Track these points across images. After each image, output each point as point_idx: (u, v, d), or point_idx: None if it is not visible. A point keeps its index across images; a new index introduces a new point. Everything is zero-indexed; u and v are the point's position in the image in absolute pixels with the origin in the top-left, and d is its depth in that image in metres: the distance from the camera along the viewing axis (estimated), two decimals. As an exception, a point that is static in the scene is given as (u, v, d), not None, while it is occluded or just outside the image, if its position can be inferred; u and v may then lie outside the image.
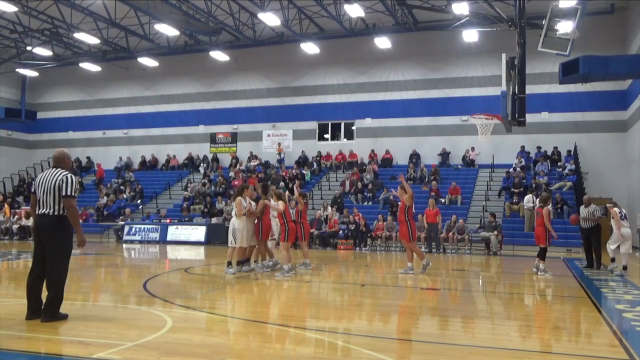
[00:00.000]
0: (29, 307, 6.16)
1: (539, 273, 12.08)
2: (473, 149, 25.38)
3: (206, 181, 27.28)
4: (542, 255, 12.22)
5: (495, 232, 18.52)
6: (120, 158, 32.06)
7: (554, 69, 19.57)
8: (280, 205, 11.39)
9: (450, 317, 7.29)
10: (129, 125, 32.66)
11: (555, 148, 24.58)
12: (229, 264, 11.44)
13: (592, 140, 24.57)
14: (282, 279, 10.57)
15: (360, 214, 21.26)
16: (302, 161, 28.17)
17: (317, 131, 29.45)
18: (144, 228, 23.11)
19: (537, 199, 13.93)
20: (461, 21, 23.35)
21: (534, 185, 22.17)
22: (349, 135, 28.96)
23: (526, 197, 20.58)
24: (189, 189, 27.00)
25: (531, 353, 5.26)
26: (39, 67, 31.42)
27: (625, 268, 12.25)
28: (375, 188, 24.65)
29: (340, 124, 29.15)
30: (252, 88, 30.34)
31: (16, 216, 25.47)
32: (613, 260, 12.64)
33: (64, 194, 6.13)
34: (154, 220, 23.73)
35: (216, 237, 22.10)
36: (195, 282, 10.82)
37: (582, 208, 13.64)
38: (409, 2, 23.23)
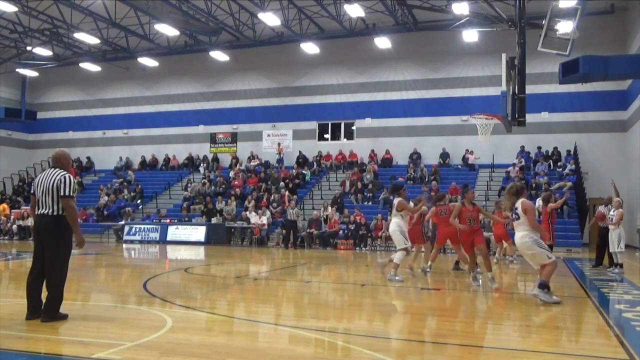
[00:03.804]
0: (29, 307, 6.14)
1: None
2: (472, 152, 25.35)
3: (206, 181, 27.29)
4: None
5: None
6: (120, 158, 32.07)
7: (554, 69, 19.57)
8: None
9: (450, 317, 7.28)
10: (129, 125, 32.67)
11: (555, 148, 24.58)
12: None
13: (592, 140, 24.57)
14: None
15: (362, 214, 21.27)
16: (302, 161, 28.17)
17: (317, 131, 29.45)
18: (144, 228, 23.10)
19: (540, 199, 13.88)
20: (461, 21, 23.35)
21: (534, 185, 22.18)
22: (349, 135, 28.96)
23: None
24: (189, 189, 27.00)
25: (531, 353, 5.26)
26: (39, 67, 31.43)
27: (621, 266, 12.27)
28: (375, 188, 24.66)
29: (340, 124, 29.16)
30: (252, 88, 30.34)
31: (13, 217, 25.47)
32: (622, 266, 12.34)
33: (62, 194, 6.12)
34: (154, 220, 23.73)
35: (216, 237, 22.11)
36: (195, 282, 10.82)
37: (601, 207, 13.48)
38: (409, 2, 23.23)
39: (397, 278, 10.22)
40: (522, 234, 7.81)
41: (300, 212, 23.06)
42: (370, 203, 24.07)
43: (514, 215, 7.92)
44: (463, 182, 24.22)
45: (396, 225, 10.48)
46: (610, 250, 12.45)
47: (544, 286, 7.60)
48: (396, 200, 10.56)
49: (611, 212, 12.53)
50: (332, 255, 17.66)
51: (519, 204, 7.82)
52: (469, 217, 9.68)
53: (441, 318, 7.26)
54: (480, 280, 10.09)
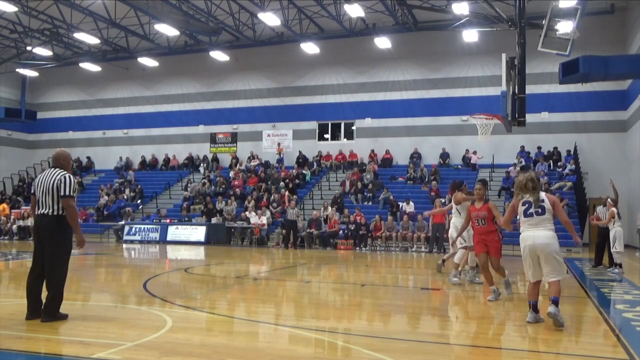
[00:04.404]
0: (29, 307, 6.15)
1: None
2: (475, 152, 25.28)
3: (206, 181, 27.30)
4: None
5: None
6: (120, 158, 32.07)
7: (554, 69, 19.57)
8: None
9: (450, 317, 7.28)
10: (129, 125, 32.66)
11: (555, 148, 24.58)
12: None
13: (592, 140, 24.57)
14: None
15: (362, 214, 21.28)
16: (302, 161, 28.17)
17: (317, 131, 29.44)
18: (144, 228, 23.10)
19: None
20: (461, 21, 23.35)
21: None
22: (349, 135, 28.96)
23: None
24: (189, 189, 27.01)
25: (531, 353, 5.26)
26: (39, 67, 31.42)
27: (620, 266, 12.28)
28: (375, 188, 24.66)
29: (340, 124, 29.15)
30: (252, 88, 30.34)
31: (13, 217, 25.48)
32: (620, 265, 12.31)
33: (62, 194, 6.12)
34: (154, 220, 23.73)
35: (216, 237, 22.11)
36: (195, 282, 10.82)
37: (600, 208, 13.49)
38: (409, 2, 23.23)
39: (454, 280, 9.86)
40: (549, 233, 6.43)
41: (300, 212, 23.06)
42: (370, 203, 24.07)
43: (536, 209, 6.40)
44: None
45: (453, 226, 10.19)
46: (611, 250, 12.47)
47: (558, 303, 6.33)
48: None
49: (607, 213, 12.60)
50: (332, 255, 17.65)
51: (544, 196, 6.51)
52: (476, 217, 8.53)
53: (441, 318, 7.26)
54: (478, 279, 10.04)
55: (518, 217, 6.58)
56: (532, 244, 6.36)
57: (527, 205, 6.45)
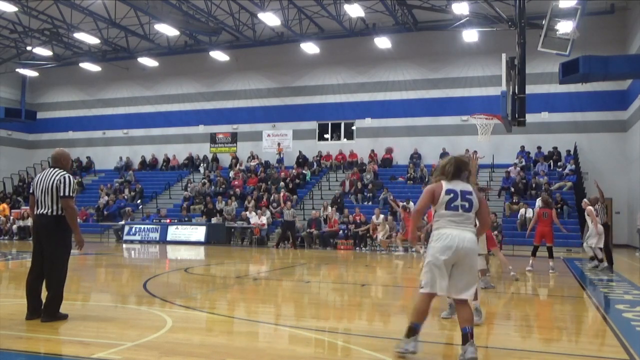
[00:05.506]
0: (28, 307, 6.14)
1: (550, 271, 12.36)
2: (476, 152, 25.19)
3: (206, 181, 27.30)
4: (551, 253, 12.72)
5: (495, 232, 18.49)
6: (120, 158, 32.07)
7: (554, 69, 19.56)
8: None
9: (450, 317, 7.27)
10: (129, 125, 32.65)
11: (555, 148, 24.58)
12: None
13: (592, 140, 24.57)
14: None
15: (362, 214, 21.29)
16: (302, 161, 28.17)
17: (317, 131, 29.44)
18: (144, 228, 23.09)
19: (541, 200, 14.08)
20: (461, 21, 23.35)
21: (534, 185, 22.20)
22: (349, 135, 28.95)
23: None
24: (189, 189, 27.01)
25: (531, 353, 5.26)
26: (39, 67, 31.42)
27: (602, 261, 12.74)
28: (375, 188, 24.66)
29: (340, 124, 29.14)
30: (252, 88, 30.33)
31: (13, 217, 25.47)
32: (601, 260, 12.88)
33: (61, 194, 6.11)
34: (154, 220, 23.72)
35: (216, 237, 22.11)
36: (195, 282, 10.82)
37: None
38: (409, 2, 23.22)
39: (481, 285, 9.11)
40: (474, 237, 4.94)
41: (298, 212, 23.05)
42: (370, 203, 24.06)
43: (463, 203, 4.89)
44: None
45: None
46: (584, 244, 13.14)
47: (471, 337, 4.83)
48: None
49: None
50: (332, 255, 17.66)
51: (471, 188, 5.02)
52: None
53: (441, 318, 7.25)
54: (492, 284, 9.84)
55: (434, 208, 5.00)
56: (457, 247, 4.79)
57: (452, 194, 4.90)
